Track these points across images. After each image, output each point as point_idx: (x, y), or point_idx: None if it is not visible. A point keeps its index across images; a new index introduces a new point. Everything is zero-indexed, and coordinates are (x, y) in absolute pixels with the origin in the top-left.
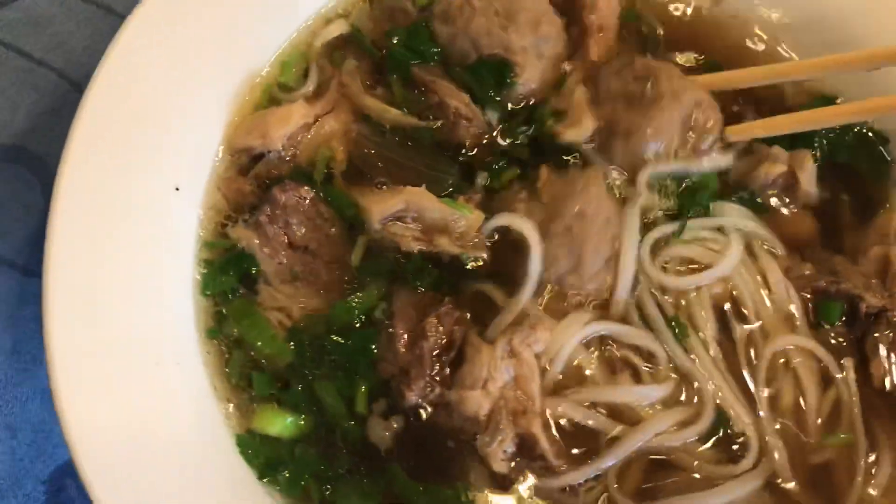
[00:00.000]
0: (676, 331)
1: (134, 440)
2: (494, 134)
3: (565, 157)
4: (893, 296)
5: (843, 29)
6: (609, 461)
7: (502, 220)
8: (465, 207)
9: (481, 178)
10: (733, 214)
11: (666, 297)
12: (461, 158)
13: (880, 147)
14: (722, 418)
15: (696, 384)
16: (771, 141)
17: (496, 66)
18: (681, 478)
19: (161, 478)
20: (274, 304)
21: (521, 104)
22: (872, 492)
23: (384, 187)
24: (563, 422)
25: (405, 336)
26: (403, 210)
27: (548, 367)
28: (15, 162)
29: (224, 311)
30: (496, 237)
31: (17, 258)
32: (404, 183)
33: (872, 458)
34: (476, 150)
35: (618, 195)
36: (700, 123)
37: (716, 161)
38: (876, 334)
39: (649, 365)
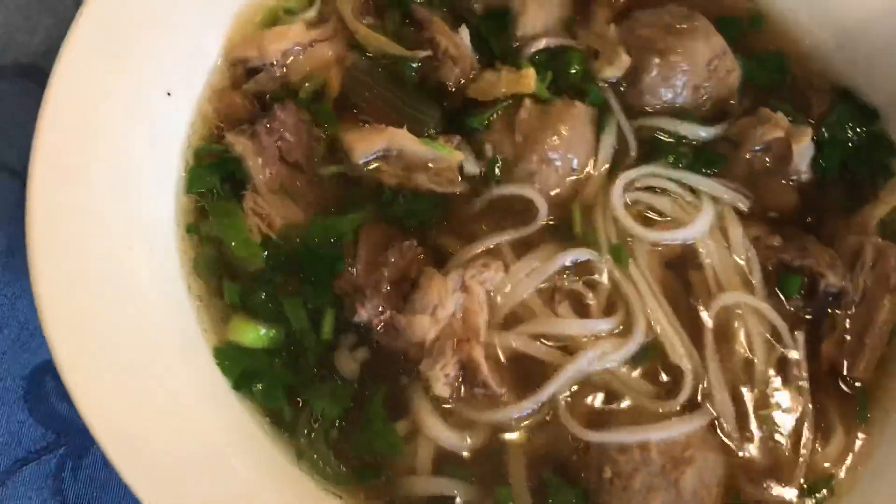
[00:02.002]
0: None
1: (111, 342)
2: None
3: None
4: (856, 283)
5: None
6: (549, 389)
7: (510, 190)
8: (445, 148)
9: (476, 122)
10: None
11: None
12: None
13: (886, 156)
14: (657, 348)
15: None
16: (775, 109)
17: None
18: (630, 413)
19: (138, 382)
20: (257, 210)
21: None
22: (824, 463)
23: (366, 125)
24: (513, 350)
25: (365, 259)
26: (386, 149)
27: (498, 302)
28: (29, 79)
29: (206, 206)
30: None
31: (18, 166)
32: (388, 119)
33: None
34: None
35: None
36: (722, 70)
37: (710, 130)
38: (831, 313)
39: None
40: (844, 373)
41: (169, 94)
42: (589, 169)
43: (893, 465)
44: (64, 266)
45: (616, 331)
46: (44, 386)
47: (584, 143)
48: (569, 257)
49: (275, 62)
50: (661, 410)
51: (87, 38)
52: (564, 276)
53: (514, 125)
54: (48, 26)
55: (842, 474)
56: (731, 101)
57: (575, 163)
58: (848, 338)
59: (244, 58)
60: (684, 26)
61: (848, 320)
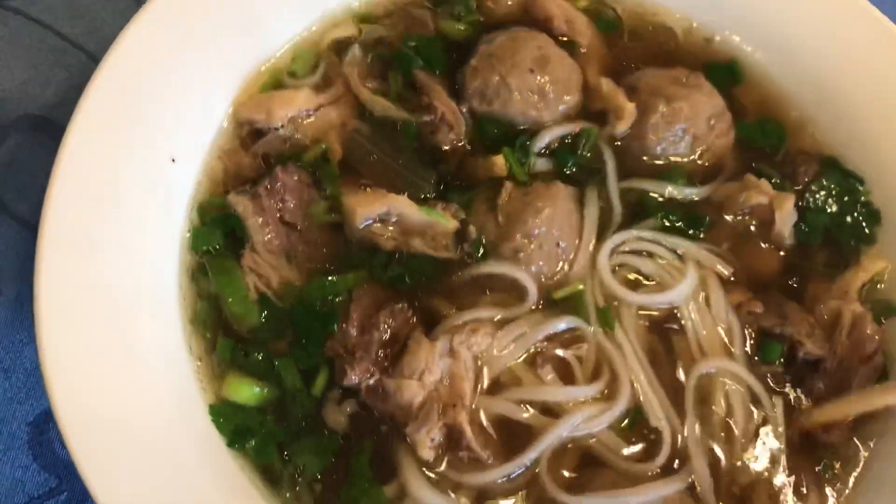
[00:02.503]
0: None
1: (112, 400)
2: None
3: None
4: (834, 349)
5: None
6: (533, 453)
7: (496, 268)
8: (443, 216)
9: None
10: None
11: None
12: (440, 166)
13: (871, 223)
14: (639, 413)
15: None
16: (761, 175)
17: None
18: (609, 475)
19: (134, 435)
20: (255, 269)
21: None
22: None
23: (367, 189)
24: (498, 415)
25: (358, 321)
26: (385, 213)
27: (485, 369)
28: (41, 131)
29: (206, 263)
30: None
31: (31, 218)
32: (387, 183)
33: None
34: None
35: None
36: (719, 129)
37: (697, 191)
38: (809, 382)
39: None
40: (820, 438)
41: (174, 160)
42: (575, 244)
43: None
44: (68, 325)
45: (600, 395)
46: (47, 432)
47: (568, 221)
48: (558, 325)
49: (282, 126)
50: (639, 473)
51: (97, 109)
52: (546, 343)
53: (497, 208)
54: (60, 80)
55: None
56: (724, 162)
57: (560, 241)
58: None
59: (251, 120)
60: (691, 81)
61: (824, 387)
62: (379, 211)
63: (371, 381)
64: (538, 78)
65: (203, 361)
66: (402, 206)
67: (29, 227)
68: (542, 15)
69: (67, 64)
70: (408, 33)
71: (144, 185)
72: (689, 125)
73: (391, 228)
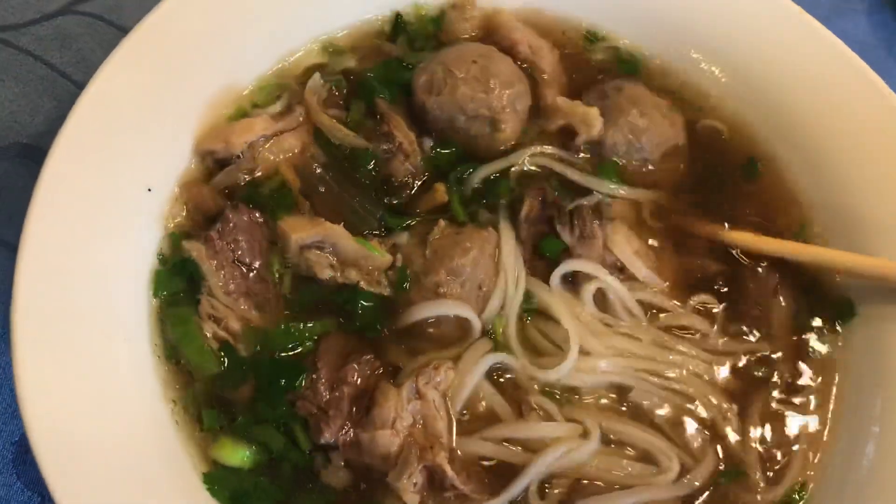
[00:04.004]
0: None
1: (84, 417)
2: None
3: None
4: None
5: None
6: (519, 486)
7: (439, 310)
8: (377, 249)
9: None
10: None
11: None
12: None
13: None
14: None
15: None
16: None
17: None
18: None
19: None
20: (213, 314)
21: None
22: None
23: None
24: (481, 456)
25: (327, 377)
26: (321, 241)
27: (450, 404)
28: (29, 158)
29: (162, 315)
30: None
31: (17, 242)
32: (334, 211)
33: None
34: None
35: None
36: (672, 162)
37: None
38: None
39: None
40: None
41: (150, 189)
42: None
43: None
44: (44, 350)
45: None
46: (31, 451)
47: (490, 265)
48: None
49: (241, 154)
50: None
51: (77, 138)
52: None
53: (427, 242)
54: (48, 109)
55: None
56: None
57: (483, 285)
58: None
59: (211, 150)
60: (667, 114)
61: None
62: (314, 238)
63: (347, 438)
64: (481, 66)
65: (187, 433)
66: (338, 235)
67: (15, 252)
68: (506, 41)
69: (56, 93)
70: (373, 64)
71: (121, 212)
72: (647, 145)
73: (328, 256)
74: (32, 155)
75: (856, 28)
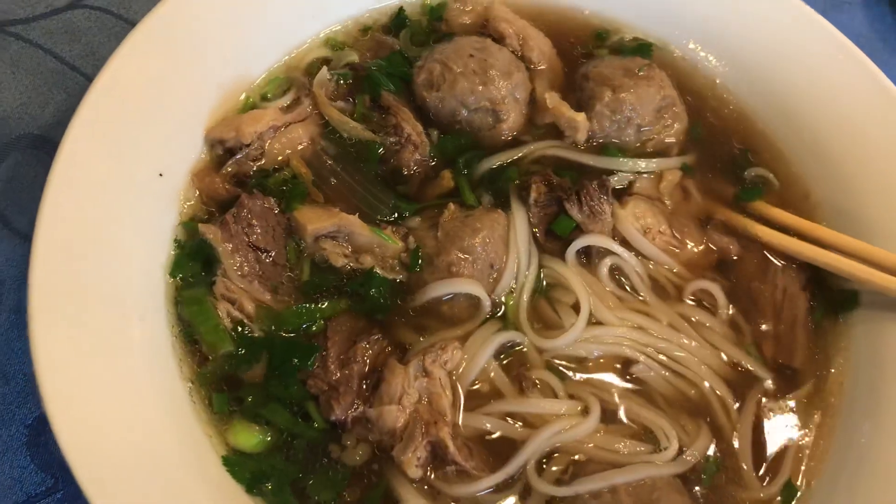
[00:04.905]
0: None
1: (104, 400)
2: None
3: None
4: None
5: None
6: (519, 460)
7: (447, 288)
8: (390, 237)
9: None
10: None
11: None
12: (400, 187)
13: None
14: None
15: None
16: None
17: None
18: (599, 465)
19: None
20: (227, 295)
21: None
22: None
23: (320, 206)
24: (483, 431)
25: (336, 356)
26: (336, 231)
27: (458, 382)
28: (40, 149)
29: (178, 295)
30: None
31: (30, 231)
32: (346, 202)
33: None
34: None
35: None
36: (668, 119)
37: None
38: None
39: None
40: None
41: (161, 174)
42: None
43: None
44: (61, 332)
45: (579, 408)
46: (44, 434)
47: (504, 247)
48: (502, 339)
49: (251, 143)
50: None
51: (87, 125)
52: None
53: (438, 225)
54: (59, 101)
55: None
56: (670, 153)
57: (494, 263)
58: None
59: (222, 139)
60: (642, 74)
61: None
62: (329, 228)
63: (356, 414)
64: (478, 59)
65: (205, 416)
66: (352, 224)
67: (28, 240)
68: (496, 34)
69: (66, 86)
70: (376, 57)
71: (134, 197)
72: (634, 115)
73: (343, 245)
74: (43, 146)
75: (853, 21)
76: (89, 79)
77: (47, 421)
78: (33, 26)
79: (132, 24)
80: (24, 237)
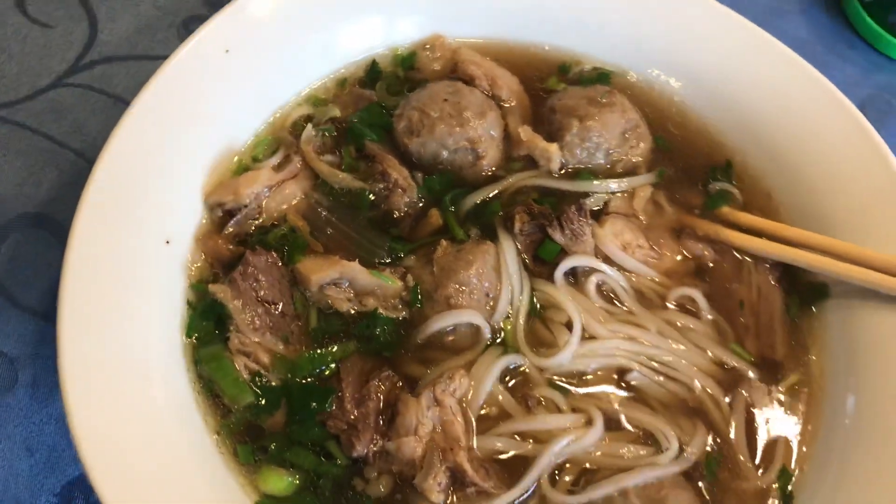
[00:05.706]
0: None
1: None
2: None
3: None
4: None
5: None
6: (533, 475)
7: (447, 321)
8: (390, 279)
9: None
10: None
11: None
12: (392, 230)
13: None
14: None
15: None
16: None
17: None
18: (609, 471)
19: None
20: (242, 349)
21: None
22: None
23: (320, 256)
24: (496, 451)
25: (352, 395)
26: (338, 278)
27: (468, 408)
28: (39, 227)
29: (196, 354)
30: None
31: (38, 306)
32: (344, 248)
33: None
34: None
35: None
36: (633, 139)
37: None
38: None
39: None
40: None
41: (168, 242)
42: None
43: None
44: (93, 398)
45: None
46: (74, 499)
47: (497, 275)
48: (506, 362)
49: (249, 203)
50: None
51: (94, 207)
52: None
53: (433, 261)
54: (52, 178)
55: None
56: (639, 171)
57: (489, 292)
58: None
59: (221, 202)
60: (604, 101)
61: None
62: (332, 276)
63: (376, 448)
64: (452, 102)
65: (220, 435)
66: (353, 270)
67: (37, 315)
68: (466, 77)
69: (57, 163)
70: (356, 110)
71: (144, 267)
72: (602, 140)
73: (346, 290)
74: (42, 223)
75: (793, 26)
76: (79, 154)
77: (76, 487)
78: (18, 108)
79: (115, 97)
80: (33, 312)
